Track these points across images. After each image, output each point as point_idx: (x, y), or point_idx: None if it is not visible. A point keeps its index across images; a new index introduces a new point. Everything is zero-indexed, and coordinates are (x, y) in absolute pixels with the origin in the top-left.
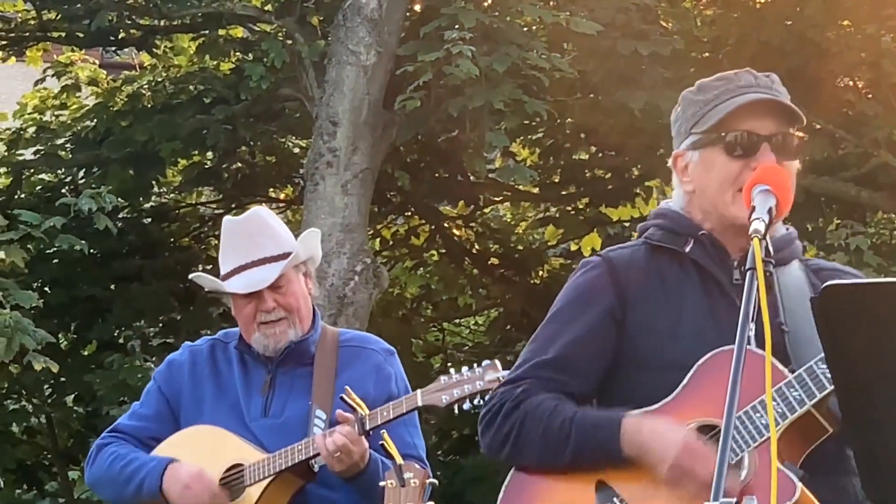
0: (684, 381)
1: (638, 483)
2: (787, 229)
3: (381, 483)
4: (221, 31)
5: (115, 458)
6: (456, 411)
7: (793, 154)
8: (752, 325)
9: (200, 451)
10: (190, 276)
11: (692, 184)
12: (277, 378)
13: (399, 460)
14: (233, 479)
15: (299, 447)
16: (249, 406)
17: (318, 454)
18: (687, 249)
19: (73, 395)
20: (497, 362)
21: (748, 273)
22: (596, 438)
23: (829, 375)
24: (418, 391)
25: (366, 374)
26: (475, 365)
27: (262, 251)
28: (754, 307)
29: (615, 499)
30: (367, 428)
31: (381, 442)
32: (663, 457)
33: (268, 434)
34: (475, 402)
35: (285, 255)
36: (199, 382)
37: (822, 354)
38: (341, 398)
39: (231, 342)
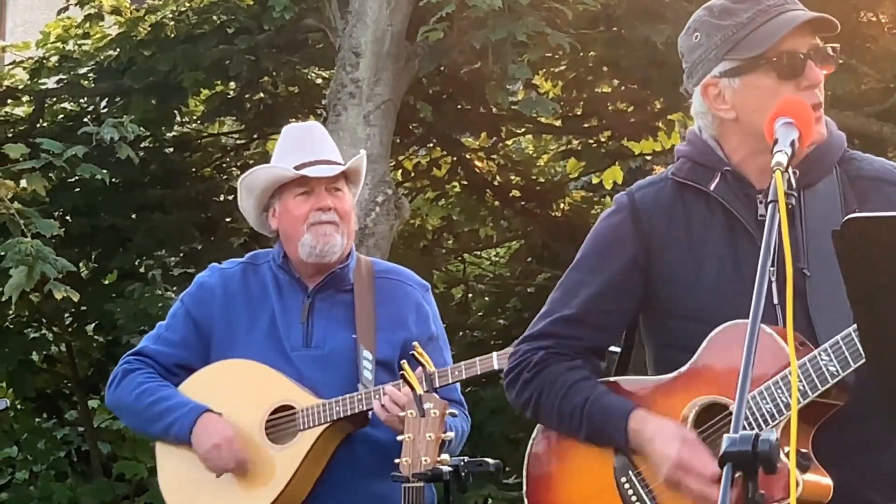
0: (698, 352)
1: None
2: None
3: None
4: None
5: (143, 393)
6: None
7: (833, 63)
8: (773, 269)
9: (242, 390)
10: (247, 173)
11: (734, 111)
12: (316, 304)
13: (419, 391)
14: (283, 422)
15: (358, 397)
16: (289, 334)
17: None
18: (711, 188)
19: (93, 324)
20: None
21: (769, 207)
22: (603, 434)
23: (832, 369)
24: (494, 354)
25: (406, 311)
26: None
27: (325, 154)
28: (776, 246)
29: (630, 471)
30: (437, 386)
31: (401, 372)
32: (659, 468)
33: (311, 366)
34: None
35: (342, 165)
36: (233, 309)
37: (838, 339)
38: (411, 355)
39: (263, 264)
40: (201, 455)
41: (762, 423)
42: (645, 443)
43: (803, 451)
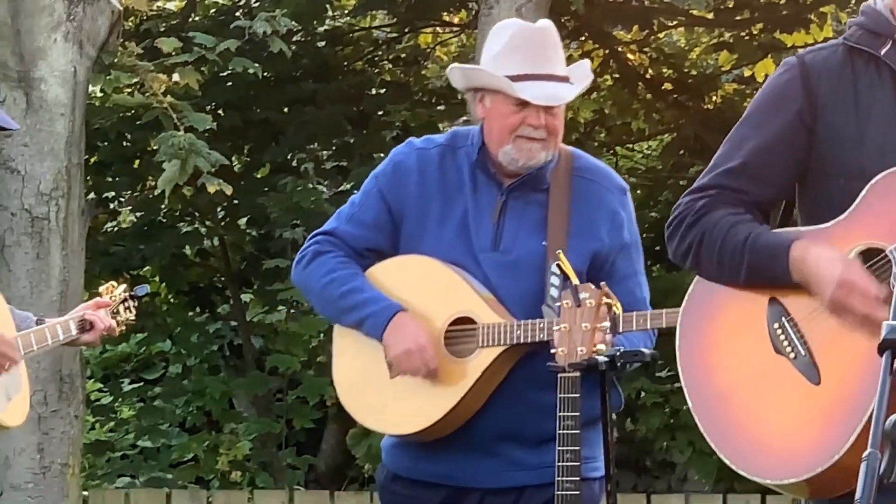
0: (857, 201)
1: (807, 299)
2: None
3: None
4: None
5: (335, 281)
6: None
7: None
8: None
9: (426, 293)
10: (454, 66)
11: None
12: (509, 203)
13: (575, 280)
14: (463, 334)
15: (540, 325)
16: (479, 233)
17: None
18: (882, 52)
19: (245, 218)
20: None
21: None
22: (765, 266)
23: None
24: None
25: (600, 220)
26: None
27: (553, 67)
28: None
29: (783, 318)
30: (621, 330)
31: (556, 262)
32: (823, 291)
33: (496, 271)
34: None
35: (568, 79)
36: (427, 195)
37: None
38: (557, 265)
39: (461, 148)
40: (391, 357)
41: None
42: (809, 268)
43: None
